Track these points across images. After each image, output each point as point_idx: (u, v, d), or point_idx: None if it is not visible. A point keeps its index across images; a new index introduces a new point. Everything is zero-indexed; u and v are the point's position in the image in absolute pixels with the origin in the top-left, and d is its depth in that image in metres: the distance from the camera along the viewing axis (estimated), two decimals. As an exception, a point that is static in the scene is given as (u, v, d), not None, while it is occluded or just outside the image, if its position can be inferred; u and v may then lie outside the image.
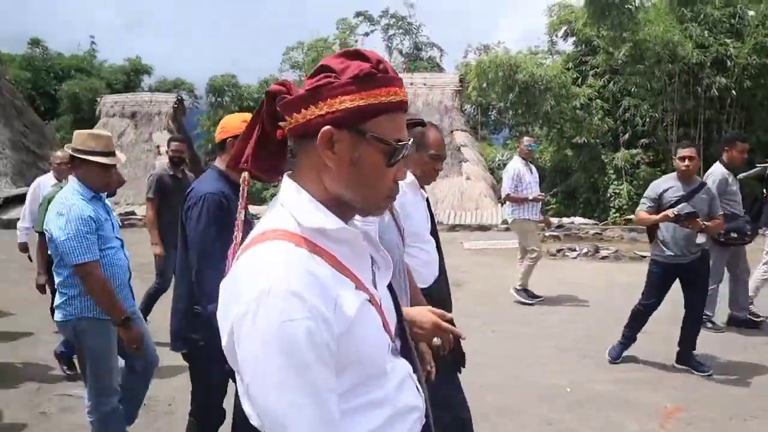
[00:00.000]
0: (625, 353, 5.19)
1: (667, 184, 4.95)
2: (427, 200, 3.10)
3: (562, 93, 18.80)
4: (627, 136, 19.15)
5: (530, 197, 6.90)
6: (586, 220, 12.78)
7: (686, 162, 4.84)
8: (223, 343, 1.07)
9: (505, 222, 12.67)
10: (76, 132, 3.25)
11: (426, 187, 3.05)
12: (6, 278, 8.18)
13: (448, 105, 15.72)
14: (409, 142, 1.16)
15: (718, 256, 5.77)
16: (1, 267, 8.85)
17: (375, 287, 1.20)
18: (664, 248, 4.89)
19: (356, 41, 28.62)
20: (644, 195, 5.11)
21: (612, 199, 18.78)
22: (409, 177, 2.87)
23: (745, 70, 17.82)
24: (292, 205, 1.12)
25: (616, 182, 18.79)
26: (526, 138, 7.43)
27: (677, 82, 18.31)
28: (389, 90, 1.11)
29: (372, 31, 30.15)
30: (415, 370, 1.26)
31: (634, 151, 18.86)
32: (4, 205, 13.94)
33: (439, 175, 3.08)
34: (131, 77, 24.84)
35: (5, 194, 13.77)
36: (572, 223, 12.59)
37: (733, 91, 17.92)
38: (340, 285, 1.07)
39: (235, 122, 2.84)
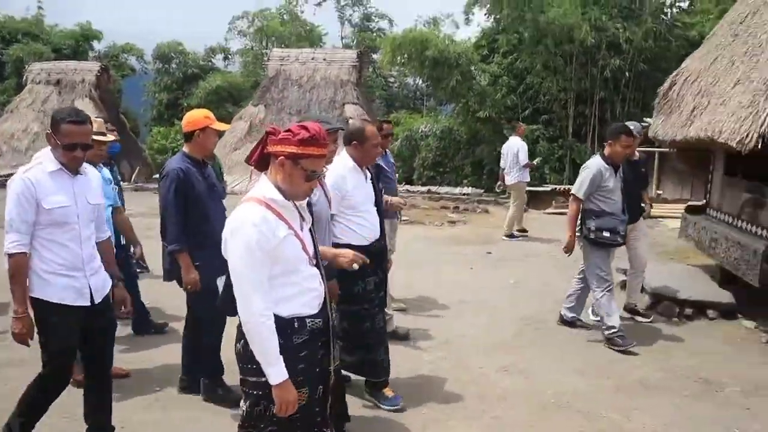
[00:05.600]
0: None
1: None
2: (373, 176, 4.09)
3: (469, 69, 19.78)
4: (528, 111, 20.22)
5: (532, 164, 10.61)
6: (451, 189, 14.30)
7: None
8: (222, 244, 2.33)
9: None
10: None
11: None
12: None
13: (343, 79, 16.80)
14: (322, 172, 2.46)
15: (598, 256, 5.30)
16: None
17: (301, 230, 2.40)
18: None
19: (302, 12, 29.42)
20: None
21: (511, 171, 19.92)
22: (351, 162, 3.89)
23: (641, 53, 18.81)
24: (263, 186, 2.36)
25: (516, 155, 19.91)
26: (521, 123, 12.02)
27: (575, 63, 19.31)
28: (313, 148, 2.31)
29: (325, 1, 30.88)
30: (321, 276, 2.48)
31: (534, 127, 19.92)
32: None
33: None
34: (80, 43, 25.51)
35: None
36: (437, 191, 14.18)
37: (627, 73, 18.94)
38: (277, 224, 2.28)
39: (199, 117, 4.04)
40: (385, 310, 4.88)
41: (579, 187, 5.27)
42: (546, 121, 20.09)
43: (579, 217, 5.35)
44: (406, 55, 19.89)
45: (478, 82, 19.69)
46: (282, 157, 2.31)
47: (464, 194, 14.51)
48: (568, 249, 5.35)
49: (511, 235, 10.27)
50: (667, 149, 12.79)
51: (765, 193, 6.08)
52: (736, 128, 5.18)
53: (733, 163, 6.86)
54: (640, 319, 6.00)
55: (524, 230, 10.62)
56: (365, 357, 3.97)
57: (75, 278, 3.14)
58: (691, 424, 3.99)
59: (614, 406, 4.19)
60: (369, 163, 4.03)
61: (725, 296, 6.21)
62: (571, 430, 3.88)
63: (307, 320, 2.37)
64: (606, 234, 5.17)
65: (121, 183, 5.59)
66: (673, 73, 7.41)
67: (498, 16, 20.45)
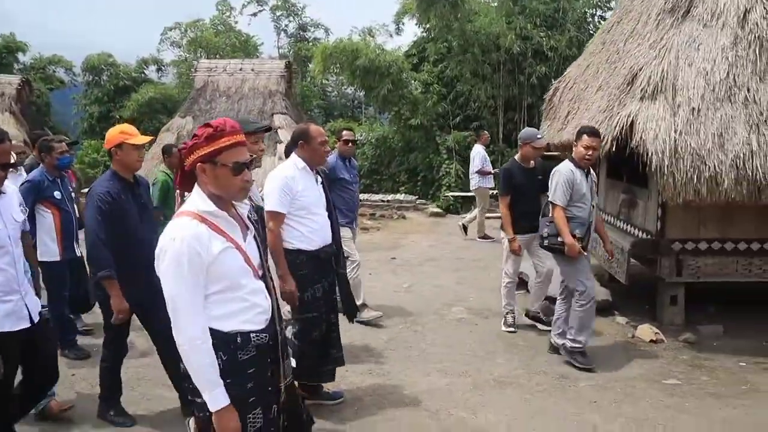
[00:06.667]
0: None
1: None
2: (323, 179, 4.04)
3: (401, 78, 20.02)
4: (459, 118, 20.58)
5: (492, 171, 10.58)
6: (384, 196, 14.53)
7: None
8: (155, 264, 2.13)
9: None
10: None
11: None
12: None
13: (272, 90, 16.76)
14: (247, 160, 2.20)
15: (570, 264, 4.99)
16: None
17: (244, 241, 2.22)
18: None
19: (236, 22, 29.21)
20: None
21: (443, 177, 20.23)
22: (301, 164, 3.85)
23: (566, 60, 19.37)
24: (195, 199, 2.18)
25: (447, 161, 20.21)
26: (485, 132, 12.94)
27: (503, 70, 19.75)
28: (223, 140, 2.14)
29: (260, 11, 30.73)
30: (267, 289, 2.29)
31: (465, 133, 20.29)
32: None
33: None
34: (3, 55, 24.78)
35: None
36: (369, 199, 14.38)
37: (553, 80, 19.44)
38: (212, 238, 2.10)
39: (114, 134, 3.80)
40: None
41: (554, 193, 4.91)
42: (477, 127, 20.44)
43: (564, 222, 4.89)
44: (337, 65, 20.06)
45: (409, 91, 19.92)
46: (199, 164, 2.17)
47: (384, 201, 14.64)
48: (573, 251, 4.83)
49: (484, 236, 10.60)
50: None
51: (636, 194, 6.35)
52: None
53: (616, 167, 7.13)
54: (541, 327, 5.86)
55: (487, 236, 10.66)
56: (315, 362, 3.96)
57: (13, 302, 3.10)
58: (534, 417, 4.13)
59: (465, 404, 4.30)
60: (319, 163, 4.02)
61: (602, 293, 6.42)
62: (414, 429, 3.97)
63: (252, 335, 2.20)
64: (560, 239, 4.85)
65: (73, 195, 5.36)
66: (557, 80, 7.67)
67: (427, 26, 20.82)
